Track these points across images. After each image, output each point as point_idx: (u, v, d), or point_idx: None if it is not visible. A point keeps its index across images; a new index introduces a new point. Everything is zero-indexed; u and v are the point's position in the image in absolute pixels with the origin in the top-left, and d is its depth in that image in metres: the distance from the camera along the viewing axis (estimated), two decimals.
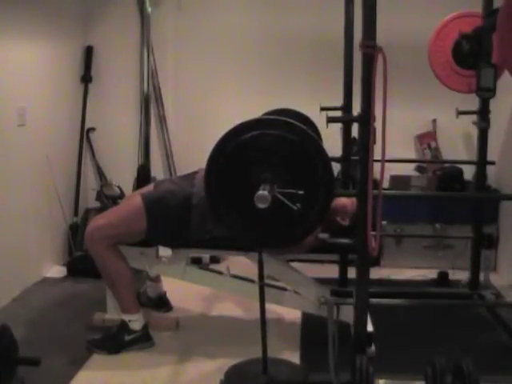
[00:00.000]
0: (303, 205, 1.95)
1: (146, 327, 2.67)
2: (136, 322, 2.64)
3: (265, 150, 1.97)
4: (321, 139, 3.09)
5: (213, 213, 2.06)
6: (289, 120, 2.02)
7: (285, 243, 2.23)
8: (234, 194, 2.01)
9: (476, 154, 3.07)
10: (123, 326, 2.63)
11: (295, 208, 1.93)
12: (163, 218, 2.59)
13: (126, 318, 2.64)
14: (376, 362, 2.01)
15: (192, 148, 4.16)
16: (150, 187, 2.87)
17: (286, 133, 1.96)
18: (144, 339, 2.66)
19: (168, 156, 4.18)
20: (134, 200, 2.66)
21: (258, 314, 3.04)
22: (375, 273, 3.51)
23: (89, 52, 4.10)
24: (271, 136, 1.96)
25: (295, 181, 1.96)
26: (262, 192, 1.89)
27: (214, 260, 3.59)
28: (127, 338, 2.62)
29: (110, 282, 2.65)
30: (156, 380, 2.42)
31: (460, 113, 3.08)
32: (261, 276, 2.19)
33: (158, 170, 4.12)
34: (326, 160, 2.00)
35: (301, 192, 1.94)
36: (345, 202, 2.67)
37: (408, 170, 3.95)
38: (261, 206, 1.88)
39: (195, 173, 2.76)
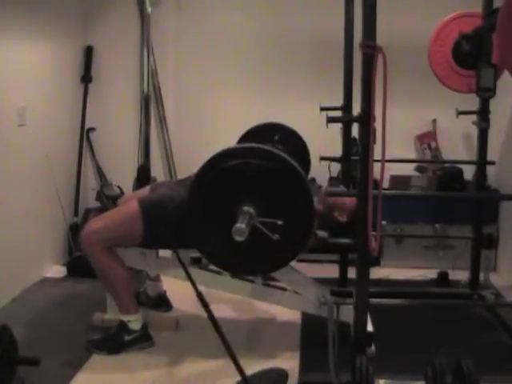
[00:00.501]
0: (282, 234, 1.96)
1: (145, 327, 2.68)
2: (135, 322, 2.64)
3: (245, 179, 1.99)
4: (308, 153, 3.12)
5: (192, 239, 2.08)
6: (270, 149, 2.04)
7: (263, 271, 2.25)
8: (214, 222, 2.03)
9: (476, 153, 3.07)
10: (122, 327, 2.63)
11: (274, 238, 1.94)
12: (160, 222, 2.58)
13: (125, 318, 2.64)
14: (376, 362, 2.01)
15: (192, 148, 4.16)
16: (145, 190, 2.87)
17: (267, 162, 1.97)
18: (144, 339, 2.66)
19: (168, 156, 4.18)
20: (130, 204, 2.65)
21: (257, 314, 3.06)
22: (375, 273, 3.53)
23: (89, 52, 4.10)
24: (252, 165, 1.97)
25: (275, 210, 1.97)
26: (240, 225, 1.88)
27: None
28: (127, 338, 2.62)
29: (108, 284, 2.65)
30: (156, 380, 2.42)
31: (460, 113, 3.08)
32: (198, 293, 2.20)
33: (158, 170, 4.12)
34: (307, 190, 2.01)
35: (280, 222, 1.94)
36: (343, 198, 2.68)
37: (408, 170, 3.95)
38: (238, 238, 1.88)
39: (191, 177, 2.76)
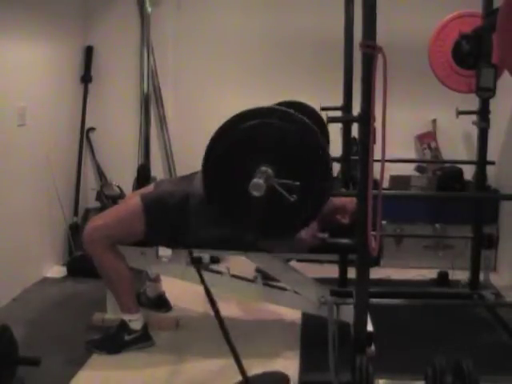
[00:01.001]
0: (300, 196, 1.92)
1: (145, 327, 2.68)
2: (136, 321, 2.64)
3: (263, 140, 1.95)
4: (327, 133, 3.06)
5: (208, 203, 2.04)
6: (287, 110, 2.00)
7: (280, 235, 2.20)
8: (231, 184, 1.99)
9: (476, 153, 3.07)
10: (123, 326, 2.63)
11: (291, 199, 1.91)
12: (162, 218, 2.59)
13: (125, 317, 2.64)
14: (376, 362, 2.01)
15: (192, 148, 4.12)
16: (149, 188, 2.87)
17: (285, 122, 1.94)
18: (144, 339, 2.66)
19: (168, 156, 4.18)
20: (133, 200, 2.66)
21: (258, 314, 3.06)
22: (375, 273, 3.52)
23: (89, 52, 4.10)
24: (269, 126, 1.94)
25: (292, 171, 1.93)
26: (257, 180, 1.86)
27: (214, 260, 3.59)
28: (127, 337, 2.62)
29: (109, 282, 2.65)
30: (156, 380, 2.42)
31: (460, 113, 3.08)
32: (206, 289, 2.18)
33: (158, 170, 4.12)
34: (324, 151, 1.98)
35: (297, 183, 1.91)
36: (344, 200, 2.67)
37: (408, 170, 3.95)
38: (255, 194, 1.86)
39: (195, 173, 2.76)
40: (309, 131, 1.95)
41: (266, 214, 1.99)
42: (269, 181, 1.92)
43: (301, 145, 1.94)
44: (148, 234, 2.59)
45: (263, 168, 1.93)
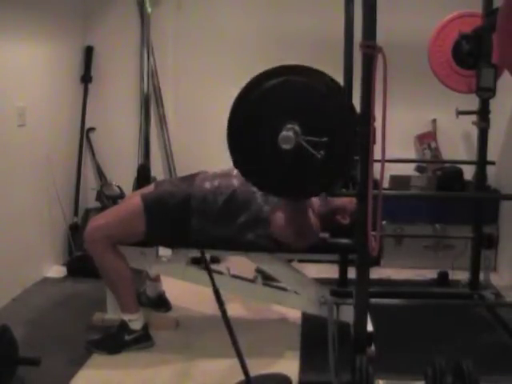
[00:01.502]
0: (326, 153, 1.88)
1: (146, 327, 2.68)
2: (136, 321, 2.64)
3: (288, 98, 1.91)
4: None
5: (234, 162, 2.00)
6: (311, 67, 1.97)
7: (307, 193, 2.13)
8: (257, 141, 1.95)
9: (476, 153, 3.07)
10: (123, 326, 2.63)
11: (319, 155, 1.88)
12: (162, 218, 2.59)
13: (125, 317, 2.64)
14: (376, 362, 2.01)
15: (192, 148, 4.16)
16: (150, 188, 2.87)
17: (311, 80, 1.92)
18: (144, 339, 2.66)
19: (168, 156, 4.18)
20: (134, 200, 2.66)
21: (257, 314, 3.06)
22: (375, 273, 3.53)
23: (89, 52, 4.10)
24: (296, 83, 1.91)
25: (318, 129, 1.89)
26: (286, 133, 1.84)
27: (214, 260, 3.59)
28: (127, 337, 2.62)
29: (110, 281, 2.65)
30: (156, 380, 2.42)
31: (460, 113, 3.07)
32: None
33: (158, 170, 4.12)
34: (350, 107, 1.95)
35: (325, 139, 1.87)
36: (345, 201, 2.68)
37: (408, 170, 3.95)
38: (285, 146, 1.83)
39: (196, 175, 2.77)
40: (334, 87, 1.92)
41: (293, 173, 1.96)
42: (296, 138, 1.88)
43: (327, 101, 1.90)
44: (148, 234, 2.59)
45: (289, 125, 1.89)
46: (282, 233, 2.51)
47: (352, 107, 1.93)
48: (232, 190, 2.60)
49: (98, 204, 3.90)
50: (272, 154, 1.90)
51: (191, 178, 2.75)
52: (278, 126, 1.88)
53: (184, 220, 2.59)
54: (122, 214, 2.66)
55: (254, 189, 2.61)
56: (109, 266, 2.59)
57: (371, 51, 1.82)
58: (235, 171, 2.73)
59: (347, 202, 2.65)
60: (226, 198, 2.59)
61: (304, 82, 1.90)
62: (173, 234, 2.62)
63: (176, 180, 2.97)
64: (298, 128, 1.88)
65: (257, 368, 2.29)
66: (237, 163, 2.00)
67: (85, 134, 4.10)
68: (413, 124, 4.01)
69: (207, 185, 2.64)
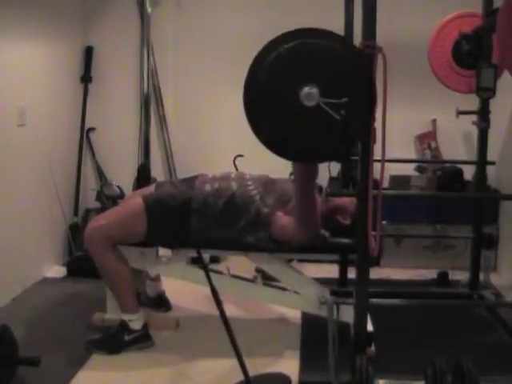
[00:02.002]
0: (346, 113, 1.85)
1: (145, 327, 2.68)
2: (136, 321, 2.64)
3: (307, 59, 1.88)
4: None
5: (252, 126, 1.99)
6: (328, 30, 1.95)
7: (327, 157, 2.13)
8: (276, 104, 1.93)
9: (476, 153, 3.07)
10: (123, 326, 2.63)
11: (338, 117, 1.84)
12: (163, 220, 2.60)
13: (125, 317, 2.64)
14: (376, 362, 2.01)
15: (192, 148, 4.17)
16: (150, 188, 2.87)
17: (328, 42, 1.90)
18: (144, 339, 2.66)
19: (168, 156, 4.18)
20: (135, 201, 2.66)
21: (257, 314, 3.06)
22: (375, 273, 3.53)
23: (89, 52, 4.10)
24: (313, 45, 1.88)
25: (336, 91, 1.85)
26: (310, 89, 1.82)
27: (214, 260, 3.59)
28: (127, 337, 2.62)
29: (110, 282, 2.65)
30: (156, 380, 2.42)
31: (460, 113, 3.07)
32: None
33: (158, 171, 4.12)
34: (367, 67, 1.93)
35: (344, 99, 1.83)
36: (345, 201, 2.68)
37: (408, 170, 3.95)
38: (308, 104, 1.82)
39: (195, 177, 2.78)
40: (350, 50, 1.91)
41: (314, 136, 1.92)
42: (316, 99, 1.85)
43: (344, 63, 1.87)
44: (149, 234, 2.59)
45: (307, 88, 1.85)
46: (284, 230, 2.51)
47: (367, 68, 1.91)
48: (231, 193, 2.60)
49: (98, 204, 3.90)
50: (290, 116, 1.88)
51: (191, 180, 2.76)
52: (296, 88, 1.86)
53: (184, 221, 2.59)
54: (123, 214, 2.66)
55: (253, 192, 2.61)
56: (109, 266, 2.60)
57: (371, 51, 1.82)
58: (233, 174, 2.74)
59: (348, 202, 2.65)
60: (225, 200, 2.59)
61: (320, 44, 1.88)
62: (173, 235, 2.62)
63: (176, 182, 2.98)
64: (317, 90, 1.85)
65: (257, 368, 2.30)
66: (257, 132, 1.97)
67: (85, 134, 4.11)
68: (413, 124, 4.01)
69: (207, 187, 2.65)
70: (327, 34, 1.90)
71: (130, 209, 2.66)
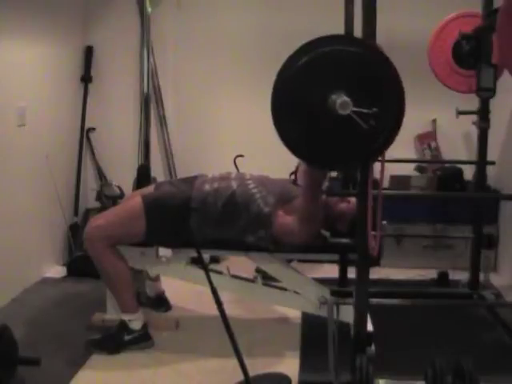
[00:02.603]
0: (374, 124, 1.83)
1: (145, 327, 2.68)
2: (136, 321, 2.64)
3: (337, 67, 1.86)
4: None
5: (278, 132, 1.96)
6: (358, 37, 1.93)
7: (352, 164, 2.06)
8: (304, 110, 1.89)
9: (476, 153, 3.07)
10: (123, 326, 2.63)
11: (366, 127, 1.81)
12: (162, 219, 2.60)
13: (125, 317, 2.64)
14: (376, 362, 2.01)
15: (192, 148, 4.17)
16: (150, 189, 2.87)
17: (359, 49, 1.87)
18: (144, 339, 2.66)
19: (168, 156, 4.18)
20: (134, 201, 2.66)
21: (258, 314, 3.06)
22: (375, 273, 3.52)
23: (89, 52, 4.10)
24: (343, 52, 1.85)
25: (367, 100, 1.83)
26: (343, 98, 1.78)
27: (214, 260, 3.59)
28: (127, 337, 2.62)
29: (109, 282, 2.65)
30: (156, 380, 2.42)
31: (460, 113, 3.07)
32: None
33: (158, 171, 4.11)
34: (397, 78, 1.92)
35: (374, 109, 1.81)
36: (343, 208, 2.66)
37: (408, 169, 3.95)
38: (343, 112, 1.77)
39: (195, 177, 2.78)
40: (383, 59, 1.89)
41: (340, 143, 1.89)
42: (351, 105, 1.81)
43: (374, 71, 1.85)
44: (149, 234, 2.59)
45: (334, 95, 1.82)
46: (286, 230, 2.51)
47: (398, 77, 1.90)
48: (231, 192, 2.60)
49: (98, 204, 3.91)
50: (318, 123, 1.85)
51: (190, 180, 2.76)
52: (324, 95, 1.83)
53: (184, 221, 2.59)
54: (122, 214, 2.66)
55: (253, 190, 2.61)
56: (108, 267, 2.60)
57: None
58: (233, 174, 2.74)
59: (345, 209, 2.64)
60: (225, 200, 2.59)
61: (352, 51, 1.86)
62: (173, 235, 2.63)
63: (176, 181, 2.98)
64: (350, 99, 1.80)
65: (257, 368, 2.30)
66: (283, 138, 1.92)
67: (85, 134, 4.10)
68: (413, 124, 4.01)
69: (207, 187, 2.65)
70: (360, 42, 1.89)
71: (129, 209, 2.66)
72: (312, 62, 1.88)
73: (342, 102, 1.79)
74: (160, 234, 2.62)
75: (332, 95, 1.82)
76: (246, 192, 2.60)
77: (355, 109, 1.80)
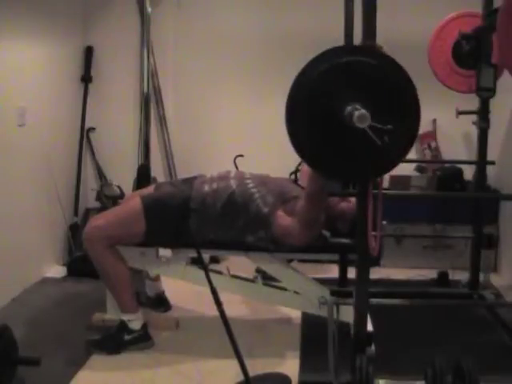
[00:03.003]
0: (390, 139, 1.82)
1: (145, 326, 2.68)
2: (135, 321, 2.64)
3: (355, 79, 1.83)
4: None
5: (292, 142, 1.94)
6: (380, 51, 1.90)
7: (362, 176, 2.09)
8: (319, 123, 1.86)
9: (476, 154, 3.07)
10: (123, 326, 2.63)
11: (380, 143, 1.80)
12: (162, 220, 2.60)
13: (125, 317, 2.64)
14: (376, 362, 2.01)
15: (192, 148, 4.16)
16: (150, 189, 2.88)
17: (377, 61, 1.82)
18: (143, 339, 2.66)
19: (168, 156, 4.18)
20: (134, 202, 2.66)
21: (257, 314, 3.06)
22: (375, 273, 3.52)
23: (89, 52, 4.10)
24: (361, 64, 1.82)
25: (382, 115, 1.81)
26: (362, 111, 1.74)
27: (214, 260, 3.59)
28: (127, 337, 2.62)
29: (108, 282, 2.65)
30: (156, 380, 2.42)
31: (460, 113, 3.07)
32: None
33: (158, 171, 4.11)
34: (414, 93, 1.90)
35: (389, 126, 1.79)
36: (343, 208, 2.66)
37: (408, 170, 3.95)
38: (360, 125, 1.74)
39: (194, 178, 2.78)
40: (398, 70, 1.87)
41: (355, 157, 1.87)
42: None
43: (391, 85, 1.85)
44: (148, 235, 2.59)
45: (349, 107, 1.79)
46: (287, 231, 2.51)
47: (416, 98, 1.89)
48: (231, 192, 2.60)
49: (98, 204, 3.91)
50: (333, 134, 1.83)
51: (190, 180, 2.76)
52: (340, 106, 1.80)
53: (183, 222, 2.59)
54: (122, 215, 2.66)
55: (253, 190, 2.61)
56: (107, 267, 2.60)
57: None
58: (232, 173, 2.74)
59: (346, 209, 2.64)
60: (224, 201, 2.59)
61: (370, 64, 1.83)
62: (172, 235, 2.62)
63: (176, 181, 2.98)
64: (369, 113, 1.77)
65: (257, 368, 2.30)
66: (293, 138, 1.88)
67: (85, 134, 4.11)
68: None
69: (206, 187, 2.65)
70: (377, 55, 1.87)
71: (128, 209, 2.66)
72: (329, 71, 1.85)
73: (360, 114, 1.77)
74: (159, 235, 2.62)
75: (348, 107, 1.80)
76: (245, 192, 2.60)
77: (372, 124, 1.78)
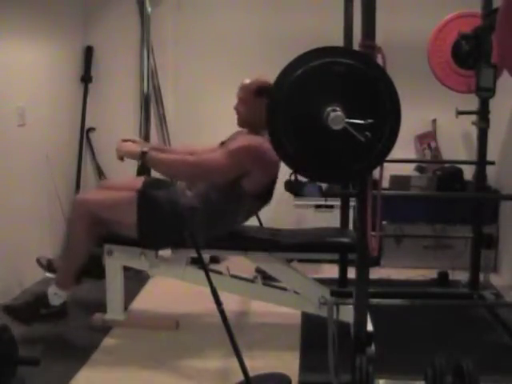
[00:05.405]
0: (371, 135, 1.81)
1: (64, 304, 2.69)
2: (59, 298, 2.66)
3: (332, 79, 1.84)
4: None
5: (273, 144, 1.95)
6: (357, 50, 1.91)
7: (348, 177, 2.09)
8: (299, 124, 1.86)
9: (476, 153, 3.07)
10: (42, 298, 2.65)
11: (363, 139, 1.80)
12: (154, 220, 2.59)
13: (51, 290, 2.65)
14: (376, 362, 2.01)
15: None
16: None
17: (355, 62, 1.87)
18: (59, 315, 2.69)
19: None
20: (131, 193, 2.65)
21: (258, 314, 3.06)
22: (375, 273, 3.53)
23: (89, 52, 4.10)
24: (339, 64, 1.83)
25: (362, 111, 1.81)
26: (336, 113, 1.77)
27: (214, 260, 3.59)
28: (43, 311, 2.65)
29: (67, 250, 2.68)
30: (156, 380, 2.42)
31: (460, 113, 3.07)
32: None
33: None
34: (393, 90, 1.91)
35: (370, 120, 1.79)
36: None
37: (408, 170, 3.95)
38: (335, 127, 1.77)
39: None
40: (376, 69, 1.88)
41: (338, 156, 1.87)
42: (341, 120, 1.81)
43: (368, 82, 1.83)
44: (140, 231, 2.58)
45: (329, 108, 1.80)
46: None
47: (394, 89, 1.89)
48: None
49: None
50: (313, 136, 1.84)
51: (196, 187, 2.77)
52: (322, 107, 1.81)
53: (177, 220, 2.57)
54: (118, 200, 2.65)
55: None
56: (75, 238, 2.62)
57: (370, 51, 1.82)
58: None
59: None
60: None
61: (348, 63, 1.84)
62: (166, 237, 2.63)
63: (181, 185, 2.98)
64: (342, 112, 1.79)
65: (257, 368, 2.30)
66: (275, 144, 1.90)
67: (85, 134, 4.11)
68: (413, 124, 4.01)
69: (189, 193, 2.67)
70: (351, 53, 1.88)
71: (124, 197, 2.65)
72: (305, 75, 1.86)
73: (334, 116, 1.78)
74: (151, 231, 2.61)
75: (328, 109, 1.80)
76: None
77: (349, 120, 1.79)
